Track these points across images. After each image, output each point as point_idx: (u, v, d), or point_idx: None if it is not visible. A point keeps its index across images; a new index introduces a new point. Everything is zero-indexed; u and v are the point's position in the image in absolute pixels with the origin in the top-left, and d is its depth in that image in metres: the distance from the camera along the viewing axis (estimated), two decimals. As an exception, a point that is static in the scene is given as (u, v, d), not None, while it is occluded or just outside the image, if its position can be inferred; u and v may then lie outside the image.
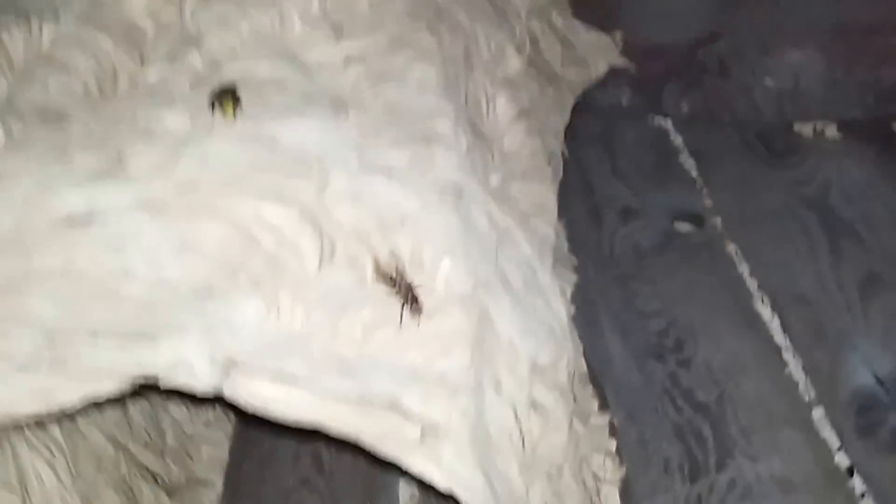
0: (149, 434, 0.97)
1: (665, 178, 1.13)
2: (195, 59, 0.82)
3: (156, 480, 0.94)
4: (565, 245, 1.09)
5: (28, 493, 0.71)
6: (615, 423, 0.88)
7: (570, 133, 1.14)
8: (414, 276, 0.66)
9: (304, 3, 0.86)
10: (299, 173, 0.69)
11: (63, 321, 0.61)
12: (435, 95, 0.82)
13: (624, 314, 0.98)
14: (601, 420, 0.89)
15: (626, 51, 1.18)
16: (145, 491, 0.92)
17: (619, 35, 1.18)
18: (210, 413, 1.05)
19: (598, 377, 0.93)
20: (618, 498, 0.82)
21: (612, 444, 0.86)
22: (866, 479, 0.75)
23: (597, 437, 0.87)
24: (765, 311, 0.92)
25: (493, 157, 0.92)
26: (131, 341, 0.59)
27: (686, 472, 0.81)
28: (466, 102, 0.92)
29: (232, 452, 1.04)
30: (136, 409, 0.95)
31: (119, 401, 0.88)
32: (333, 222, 0.68)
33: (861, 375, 0.82)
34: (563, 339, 0.78)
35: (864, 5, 1.03)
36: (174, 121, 0.74)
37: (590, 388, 0.92)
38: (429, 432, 0.61)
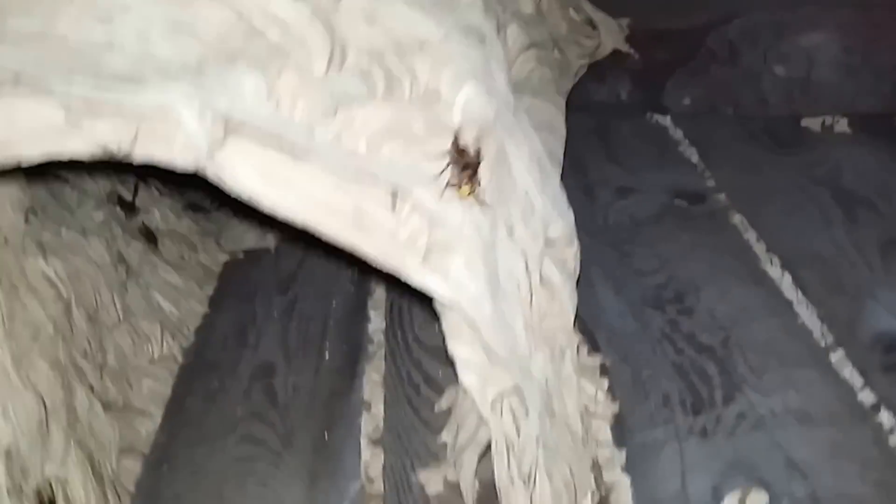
0: (90, 345, 0.86)
1: (663, 161, 1.08)
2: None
3: (91, 389, 0.83)
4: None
5: None
6: (607, 365, 0.79)
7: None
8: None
9: None
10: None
11: (36, 64, 0.52)
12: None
13: (618, 272, 0.92)
14: (592, 362, 0.80)
15: (631, 38, 1.14)
16: (80, 392, 0.81)
17: (625, 22, 1.15)
18: (156, 349, 0.94)
19: (589, 327, 0.84)
20: (609, 433, 0.73)
21: (604, 383, 0.78)
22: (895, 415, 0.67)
23: (587, 376, 0.78)
24: (774, 270, 0.86)
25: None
26: (113, 81, 0.50)
27: (688, 406, 0.73)
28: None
29: (175, 389, 0.93)
30: (80, 316, 0.85)
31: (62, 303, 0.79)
32: (347, 32, 0.61)
33: (884, 321, 0.76)
34: (571, 231, 0.71)
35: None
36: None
37: (579, 335, 0.84)
38: (436, 246, 0.53)
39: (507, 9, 0.93)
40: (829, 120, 1.04)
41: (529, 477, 0.61)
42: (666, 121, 1.16)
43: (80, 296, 0.85)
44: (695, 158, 1.07)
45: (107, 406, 0.85)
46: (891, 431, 0.66)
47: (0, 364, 0.68)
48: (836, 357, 0.74)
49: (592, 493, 0.67)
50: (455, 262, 0.53)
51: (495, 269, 0.56)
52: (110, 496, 0.79)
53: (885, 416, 0.67)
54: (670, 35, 1.13)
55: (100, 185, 1.01)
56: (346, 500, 0.74)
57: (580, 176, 1.10)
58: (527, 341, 0.59)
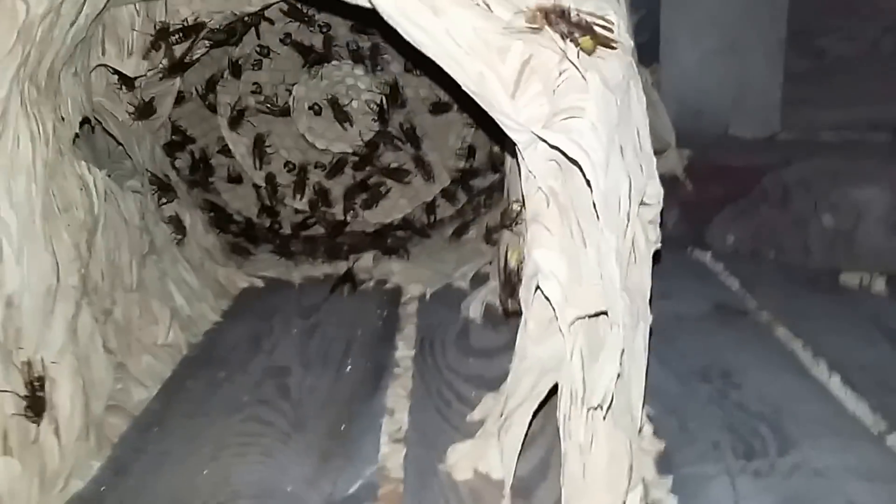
0: (103, 280, 0.82)
1: (705, 284, 1.08)
2: None
3: (96, 321, 0.79)
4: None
5: None
6: (651, 415, 0.76)
7: None
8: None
9: None
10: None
11: None
12: None
13: (662, 351, 0.89)
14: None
15: (689, 169, 1.18)
16: (86, 311, 0.76)
17: (686, 153, 1.19)
18: (162, 335, 0.90)
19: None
20: (653, 467, 0.69)
21: (649, 429, 0.74)
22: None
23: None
24: (820, 371, 0.84)
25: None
26: None
27: (740, 453, 0.70)
28: None
29: (176, 373, 0.88)
30: (101, 247, 0.82)
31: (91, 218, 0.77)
32: None
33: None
34: (661, 197, 0.69)
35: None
36: None
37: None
38: (561, 112, 0.53)
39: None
40: (867, 278, 1.05)
41: (592, 417, 0.57)
42: (705, 256, 1.16)
43: (105, 228, 0.82)
44: (735, 286, 1.07)
45: (106, 350, 0.80)
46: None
47: (29, 211, 0.65)
48: (893, 440, 0.71)
49: (641, 498, 0.62)
50: (581, 124, 0.52)
51: (614, 146, 0.55)
52: (92, 433, 0.73)
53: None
54: (727, 171, 1.16)
55: (140, 160, 0.99)
56: (360, 480, 0.68)
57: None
58: (616, 264, 0.57)
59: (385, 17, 0.59)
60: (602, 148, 0.54)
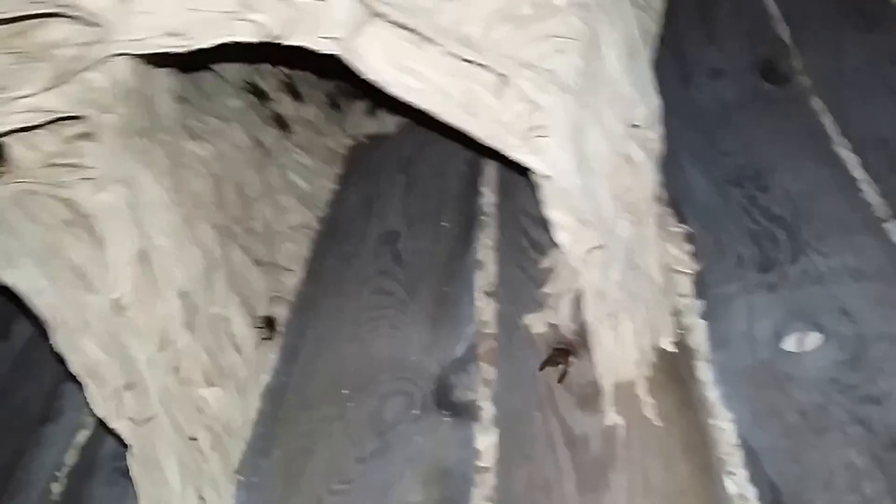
0: (239, 213, 1.01)
1: (757, 42, 1.17)
2: None
3: (243, 250, 0.99)
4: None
5: (136, 194, 0.77)
6: (692, 233, 0.91)
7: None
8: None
9: None
10: None
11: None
12: None
13: (705, 153, 1.02)
14: (678, 230, 0.92)
15: None
16: (234, 250, 0.96)
17: None
18: (294, 218, 1.10)
19: (678, 202, 0.96)
20: (690, 286, 0.86)
21: (688, 247, 0.90)
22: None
23: (674, 240, 0.90)
24: (844, 152, 0.95)
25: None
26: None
27: (758, 265, 0.85)
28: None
29: (313, 251, 1.08)
30: (229, 190, 1.00)
31: (213, 179, 0.93)
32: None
33: (937, 198, 0.85)
34: (654, 115, 0.82)
35: None
36: None
37: (668, 209, 0.96)
38: (534, 127, 0.65)
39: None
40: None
41: (614, 316, 0.75)
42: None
43: (226, 173, 1.00)
44: (786, 37, 1.15)
45: (257, 262, 1.01)
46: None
47: (174, 224, 0.84)
48: (890, 226, 0.84)
49: (671, 334, 0.81)
50: (549, 142, 0.65)
51: (583, 148, 0.68)
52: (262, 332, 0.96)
53: (926, 277, 0.78)
54: None
55: (236, 75, 1.15)
56: (463, 340, 0.89)
57: (679, 56, 1.20)
58: (612, 207, 0.72)
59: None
60: (570, 158, 0.66)
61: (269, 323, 0.94)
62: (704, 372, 0.77)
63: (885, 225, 0.84)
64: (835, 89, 1.04)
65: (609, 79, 0.73)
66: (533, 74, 0.65)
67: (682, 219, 0.93)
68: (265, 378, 0.93)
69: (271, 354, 0.95)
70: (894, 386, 0.70)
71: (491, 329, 0.89)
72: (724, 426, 0.72)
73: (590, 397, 0.77)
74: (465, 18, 0.67)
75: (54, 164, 0.74)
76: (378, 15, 0.63)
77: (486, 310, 0.91)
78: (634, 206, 0.76)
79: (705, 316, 0.82)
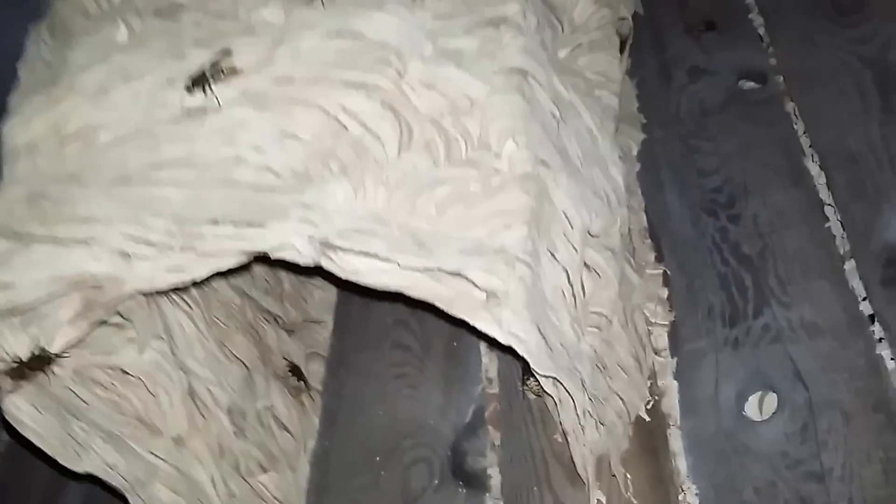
0: (268, 282, 1.12)
1: (735, 36, 1.18)
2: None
3: (276, 321, 1.11)
4: (635, 104, 1.18)
5: (174, 341, 0.87)
6: (668, 273, 0.98)
7: None
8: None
9: None
10: (380, 64, 0.79)
11: (189, 210, 0.74)
12: (505, -25, 0.89)
13: (684, 171, 1.07)
14: (656, 271, 0.99)
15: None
16: (268, 331, 1.08)
17: None
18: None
19: (656, 230, 1.03)
20: (667, 340, 0.94)
21: (665, 293, 0.98)
22: (885, 326, 0.84)
23: (651, 286, 0.98)
24: (814, 168, 0.99)
25: (562, 29, 1.00)
26: (244, 227, 0.72)
27: (726, 318, 0.92)
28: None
29: (339, 294, 1.19)
30: (257, 263, 1.10)
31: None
32: (410, 109, 0.79)
33: (893, 231, 0.90)
34: (618, 204, 0.88)
35: None
36: (270, 13, 0.84)
37: (648, 241, 1.03)
38: (491, 298, 0.73)
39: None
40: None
41: (588, 414, 0.84)
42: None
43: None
44: (762, 30, 1.17)
45: (289, 330, 1.13)
46: (879, 341, 0.84)
47: (210, 351, 0.96)
48: (849, 267, 0.90)
49: (647, 402, 0.90)
50: (505, 313, 0.74)
51: (541, 298, 0.77)
52: (306, 401, 1.09)
53: (876, 328, 0.85)
54: None
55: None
56: (472, 402, 1.00)
57: (659, 51, 1.23)
58: (574, 331, 0.80)
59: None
60: (527, 323, 0.74)
61: (294, 370, 1.07)
62: (676, 440, 0.87)
63: (844, 266, 0.90)
64: (807, 90, 1.07)
65: (561, 215, 0.80)
66: (483, 262, 0.73)
67: (659, 253, 1.01)
68: (311, 443, 1.06)
69: (314, 418, 1.08)
70: (836, 462, 0.79)
71: (495, 389, 1.00)
72: (691, 501, 0.83)
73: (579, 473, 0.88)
74: (419, 208, 0.75)
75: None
76: (335, 248, 0.71)
77: (491, 366, 1.02)
78: (600, 310, 0.84)
79: (677, 376, 0.91)
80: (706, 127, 1.10)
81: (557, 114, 0.84)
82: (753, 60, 1.14)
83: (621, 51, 1.05)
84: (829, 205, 0.96)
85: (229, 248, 0.72)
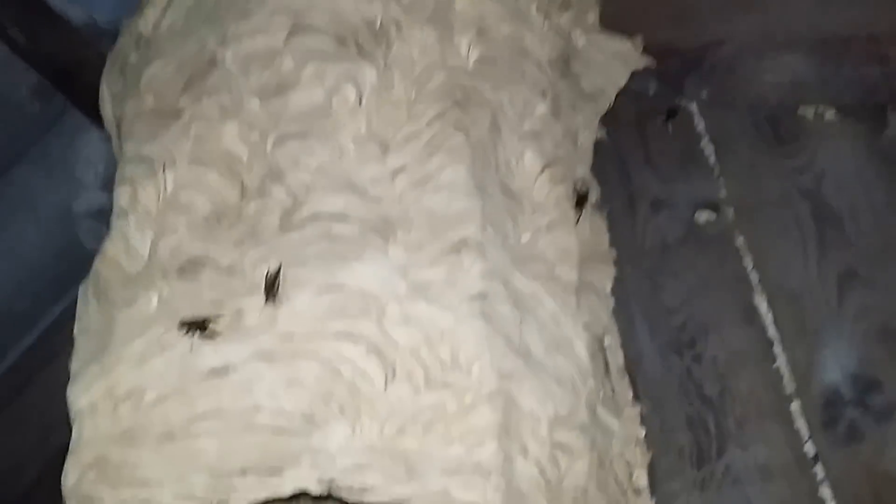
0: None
1: (689, 165, 1.32)
2: (280, 193, 1.07)
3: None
4: (606, 240, 1.32)
5: None
6: (643, 413, 1.13)
7: (610, 116, 1.35)
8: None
9: (355, 128, 1.09)
10: (363, 312, 0.95)
11: (222, 461, 0.92)
12: (464, 196, 1.04)
13: (652, 308, 1.21)
14: (633, 411, 1.14)
15: (647, 50, 1.34)
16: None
17: (639, 39, 1.34)
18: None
19: (632, 367, 1.17)
20: (646, 479, 1.09)
21: (642, 433, 1.12)
22: (826, 467, 0.98)
23: (630, 427, 1.13)
24: (762, 304, 1.13)
25: (523, 212, 1.15)
26: (266, 476, 0.89)
27: (694, 459, 1.07)
28: (497, 169, 1.14)
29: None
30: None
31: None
32: (392, 345, 0.94)
33: (830, 371, 1.03)
34: (584, 379, 1.03)
35: (839, 24, 1.16)
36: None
37: (626, 379, 1.17)
38: None
39: (521, 136, 1.19)
40: (820, 108, 1.23)
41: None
42: (692, 107, 1.37)
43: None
44: (712, 159, 1.30)
45: None
46: (821, 482, 0.98)
47: None
48: (795, 407, 1.04)
49: (629, 540, 1.05)
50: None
51: (519, 498, 0.92)
52: None
53: (818, 469, 0.99)
54: (678, 49, 1.32)
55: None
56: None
57: (625, 182, 1.37)
58: None
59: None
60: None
61: None
62: None
63: (791, 406, 1.04)
64: (754, 223, 1.20)
65: (528, 416, 0.96)
66: (462, 479, 0.89)
67: (635, 390, 1.15)
68: None
69: None
70: None
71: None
72: None
73: None
74: (406, 434, 0.91)
75: None
76: (339, 487, 0.88)
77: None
78: (573, 485, 1.00)
79: (656, 517, 1.06)
80: (669, 261, 1.23)
81: (518, 318, 0.99)
82: (706, 192, 1.27)
83: (580, 204, 1.19)
84: (777, 343, 1.09)
85: (255, 497, 0.89)
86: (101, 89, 1.42)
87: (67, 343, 1.12)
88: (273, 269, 0.96)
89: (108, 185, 1.94)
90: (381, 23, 1.15)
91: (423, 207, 1.05)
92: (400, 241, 1.02)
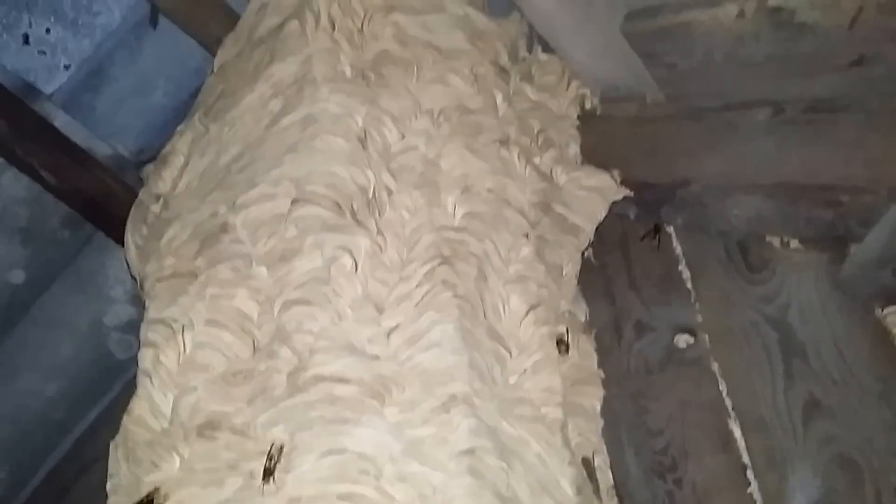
0: None
1: (669, 289, 1.41)
2: (287, 353, 1.19)
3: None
4: (595, 363, 1.42)
5: None
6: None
7: (597, 236, 1.46)
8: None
9: (352, 292, 1.21)
10: (362, 474, 1.06)
11: None
12: (451, 353, 1.16)
13: (637, 431, 1.31)
14: (625, 533, 1.24)
15: (625, 182, 1.45)
16: None
17: (616, 172, 1.45)
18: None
19: (620, 489, 1.27)
20: None
21: (631, 553, 1.22)
22: None
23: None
24: (736, 430, 1.22)
25: (511, 355, 1.25)
26: None
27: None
28: (485, 314, 1.25)
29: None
30: None
31: None
32: (389, 500, 1.05)
33: (798, 499, 1.12)
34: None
35: (795, 172, 1.26)
36: (279, 430, 1.12)
37: (615, 501, 1.27)
38: None
39: (507, 280, 1.30)
40: (786, 238, 1.32)
41: None
42: (671, 230, 1.47)
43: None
44: (689, 284, 1.40)
45: None
46: None
47: None
48: (760, 537, 1.13)
49: None
50: None
51: None
52: None
53: None
54: (653, 184, 1.43)
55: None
56: None
57: (610, 303, 1.47)
58: None
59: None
60: None
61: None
62: None
63: (760, 534, 1.13)
64: (726, 351, 1.29)
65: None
66: None
67: (624, 510, 1.25)
68: None
69: None
70: None
71: None
72: None
73: None
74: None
75: None
76: None
77: None
78: None
79: None
80: (652, 385, 1.33)
81: (506, 467, 1.10)
82: (685, 316, 1.36)
83: (563, 342, 1.30)
84: (749, 469, 1.18)
85: None
86: (125, 237, 1.54)
87: (103, 448, 1.24)
88: (276, 448, 1.06)
89: (135, 299, 2.09)
90: (373, 190, 1.26)
91: (415, 364, 1.16)
92: (395, 401, 1.13)
